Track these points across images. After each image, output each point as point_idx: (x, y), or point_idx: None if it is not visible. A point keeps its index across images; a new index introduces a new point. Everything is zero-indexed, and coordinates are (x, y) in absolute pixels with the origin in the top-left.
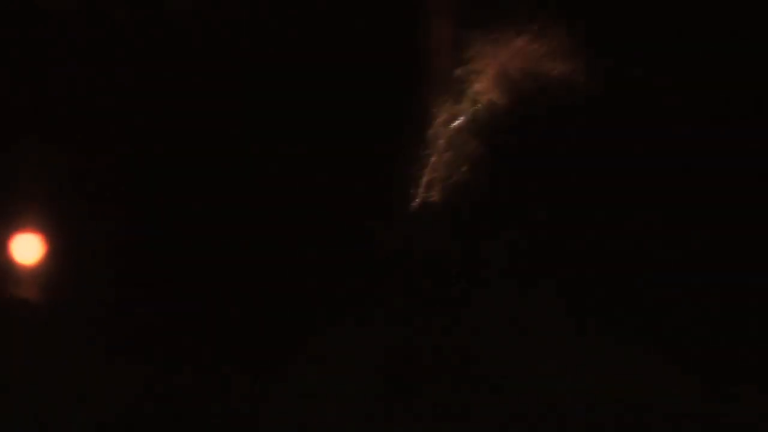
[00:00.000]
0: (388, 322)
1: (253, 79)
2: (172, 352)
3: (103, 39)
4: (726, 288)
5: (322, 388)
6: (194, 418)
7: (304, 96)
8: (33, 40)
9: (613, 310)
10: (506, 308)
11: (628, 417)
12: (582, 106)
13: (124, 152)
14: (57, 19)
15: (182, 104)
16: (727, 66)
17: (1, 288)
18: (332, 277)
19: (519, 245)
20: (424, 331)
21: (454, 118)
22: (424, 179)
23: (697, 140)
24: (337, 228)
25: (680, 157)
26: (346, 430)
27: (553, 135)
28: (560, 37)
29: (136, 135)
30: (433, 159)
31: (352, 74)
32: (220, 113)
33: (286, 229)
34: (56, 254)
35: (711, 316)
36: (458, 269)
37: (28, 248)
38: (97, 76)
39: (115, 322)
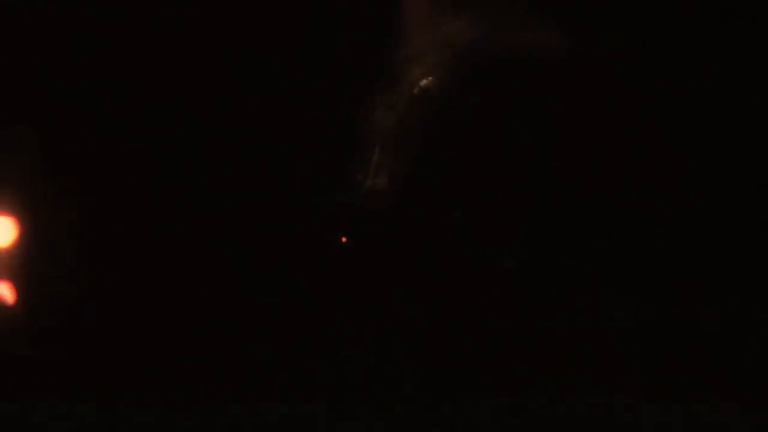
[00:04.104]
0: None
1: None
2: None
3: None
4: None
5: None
6: None
7: (243, 84)
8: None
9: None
10: (453, 296)
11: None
12: (524, 89)
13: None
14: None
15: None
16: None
17: None
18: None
19: (464, 232)
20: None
21: (395, 104)
22: (370, 167)
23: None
24: (281, 218)
25: (634, 147)
26: None
27: (494, 119)
28: (500, 19)
29: (118, 124)
30: (376, 146)
31: (293, 62)
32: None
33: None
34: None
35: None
36: (403, 256)
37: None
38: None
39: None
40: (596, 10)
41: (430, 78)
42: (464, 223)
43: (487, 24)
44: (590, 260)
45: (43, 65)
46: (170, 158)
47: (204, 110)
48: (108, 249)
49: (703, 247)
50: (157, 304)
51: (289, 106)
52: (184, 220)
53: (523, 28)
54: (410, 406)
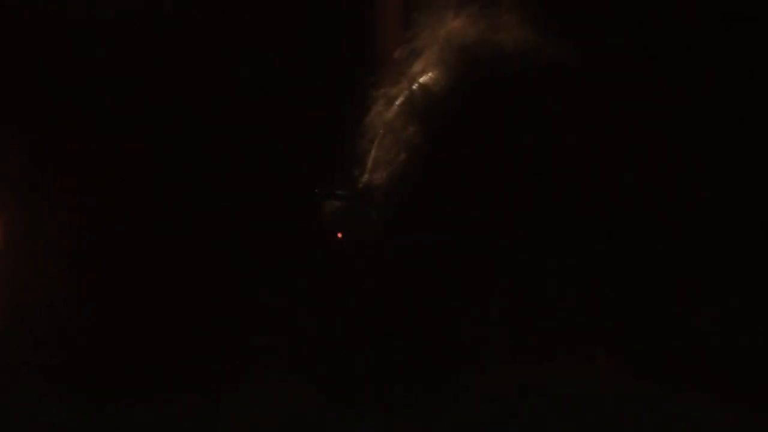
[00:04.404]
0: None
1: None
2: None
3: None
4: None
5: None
6: None
7: (239, 79)
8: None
9: (565, 298)
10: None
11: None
12: (524, 86)
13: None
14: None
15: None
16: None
17: None
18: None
19: (461, 230)
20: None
21: (394, 100)
22: (367, 163)
23: (660, 117)
24: (277, 215)
25: (641, 141)
26: None
27: (494, 116)
28: (501, 16)
29: (103, 127)
30: (374, 142)
31: (291, 57)
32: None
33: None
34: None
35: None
36: (397, 253)
37: None
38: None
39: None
40: (597, 11)
41: (430, 74)
42: (461, 220)
43: (488, 23)
44: (590, 260)
45: (42, 65)
46: (169, 158)
47: (203, 109)
48: (108, 249)
49: (703, 247)
50: (156, 304)
51: (286, 103)
52: (184, 219)
53: (523, 27)
54: (409, 405)
